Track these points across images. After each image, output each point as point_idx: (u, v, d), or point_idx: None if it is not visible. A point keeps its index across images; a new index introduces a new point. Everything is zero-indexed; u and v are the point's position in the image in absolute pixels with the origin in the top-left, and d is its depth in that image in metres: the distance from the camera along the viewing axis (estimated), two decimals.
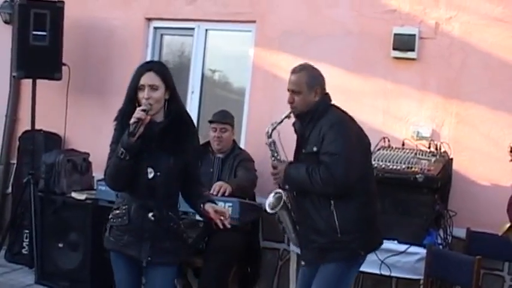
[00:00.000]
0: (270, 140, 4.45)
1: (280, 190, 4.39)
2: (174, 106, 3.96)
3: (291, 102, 4.34)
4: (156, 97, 3.86)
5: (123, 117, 3.91)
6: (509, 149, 4.47)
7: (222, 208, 4.05)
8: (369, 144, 4.44)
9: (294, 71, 4.42)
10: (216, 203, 4.04)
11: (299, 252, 5.28)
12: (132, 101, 3.91)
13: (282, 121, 4.41)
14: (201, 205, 3.99)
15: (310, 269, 4.40)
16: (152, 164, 3.88)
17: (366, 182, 4.27)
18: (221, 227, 3.92)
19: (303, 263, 4.52)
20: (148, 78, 3.87)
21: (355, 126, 4.32)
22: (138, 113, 3.76)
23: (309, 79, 4.34)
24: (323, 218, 4.18)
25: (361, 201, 4.21)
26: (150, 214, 3.89)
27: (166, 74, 3.97)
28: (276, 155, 4.45)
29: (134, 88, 3.90)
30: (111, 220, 4.04)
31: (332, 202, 4.14)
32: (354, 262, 4.30)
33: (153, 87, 3.86)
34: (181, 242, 4.07)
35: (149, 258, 3.91)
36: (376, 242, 4.40)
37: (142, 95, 3.85)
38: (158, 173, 3.89)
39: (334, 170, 4.06)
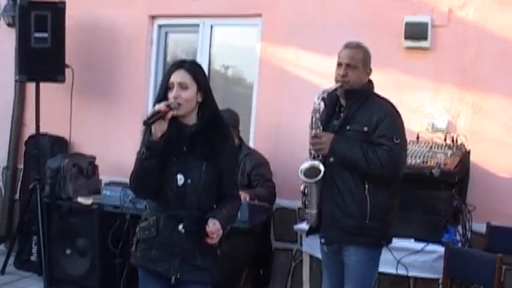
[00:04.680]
0: (317, 106, 4.24)
1: (319, 162, 4.18)
2: (208, 109, 3.64)
3: (344, 75, 4.21)
4: (185, 97, 3.55)
5: None
6: None
7: (212, 229, 3.51)
8: None
9: (350, 46, 4.33)
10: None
11: (310, 252, 5.14)
12: (161, 101, 3.55)
13: (331, 92, 4.25)
14: (207, 218, 3.55)
15: (333, 254, 4.32)
16: (182, 170, 3.56)
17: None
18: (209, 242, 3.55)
19: (322, 240, 4.34)
20: (178, 76, 3.56)
21: None
22: (159, 106, 3.48)
23: (365, 57, 4.31)
24: (355, 200, 4.12)
25: (392, 190, 4.20)
26: (181, 226, 3.54)
27: (199, 73, 3.64)
28: (319, 124, 4.25)
29: (164, 87, 3.60)
30: (138, 233, 3.69)
31: (366, 187, 4.11)
32: (376, 251, 4.24)
33: (182, 86, 3.54)
34: (215, 259, 3.68)
35: (178, 276, 3.56)
36: (391, 235, 4.33)
37: (171, 95, 3.54)
38: (189, 180, 3.56)
39: (395, 157, 4.06)
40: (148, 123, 3.48)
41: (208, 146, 3.57)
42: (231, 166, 3.76)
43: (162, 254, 3.57)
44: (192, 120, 3.62)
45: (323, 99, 4.28)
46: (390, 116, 4.16)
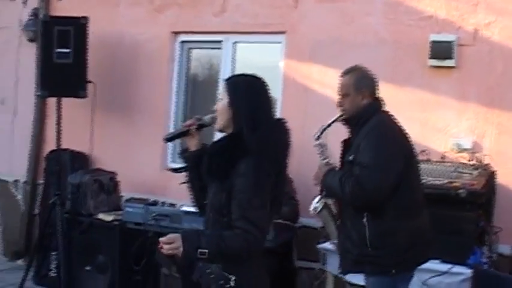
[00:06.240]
0: (317, 142, 4.36)
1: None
2: (234, 126, 3.28)
3: (341, 105, 4.24)
4: (218, 108, 3.32)
5: None
6: None
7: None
8: (412, 150, 4.22)
9: (342, 74, 4.32)
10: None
11: (334, 273, 5.10)
12: None
13: (330, 125, 4.33)
14: None
15: None
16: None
17: (407, 192, 4.06)
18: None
19: (339, 270, 4.42)
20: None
21: (394, 132, 4.15)
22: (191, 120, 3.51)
23: (356, 81, 4.23)
24: (356, 229, 4.09)
25: (397, 214, 4.01)
26: None
27: (234, 85, 3.33)
28: (324, 158, 4.32)
29: None
30: None
31: (365, 214, 4.03)
32: (389, 280, 4.08)
33: (219, 98, 3.37)
34: None
35: None
36: (412, 262, 4.16)
37: None
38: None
39: (364, 183, 3.94)
40: (166, 140, 3.57)
41: (220, 165, 3.20)
42: (238, 190, 3.12)
43: None
44: None
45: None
46: (367, 139, 4.04)
